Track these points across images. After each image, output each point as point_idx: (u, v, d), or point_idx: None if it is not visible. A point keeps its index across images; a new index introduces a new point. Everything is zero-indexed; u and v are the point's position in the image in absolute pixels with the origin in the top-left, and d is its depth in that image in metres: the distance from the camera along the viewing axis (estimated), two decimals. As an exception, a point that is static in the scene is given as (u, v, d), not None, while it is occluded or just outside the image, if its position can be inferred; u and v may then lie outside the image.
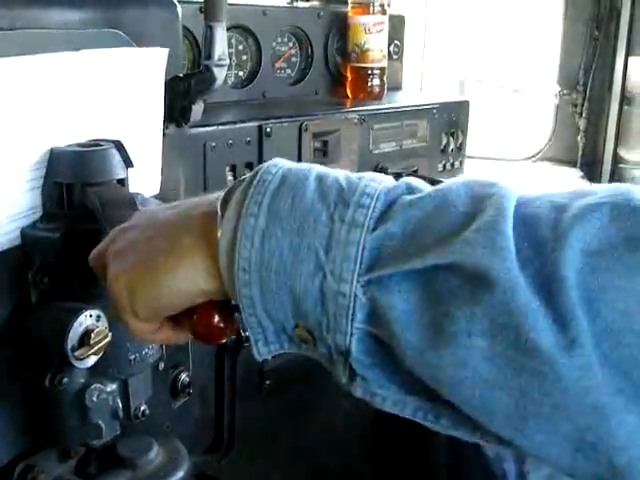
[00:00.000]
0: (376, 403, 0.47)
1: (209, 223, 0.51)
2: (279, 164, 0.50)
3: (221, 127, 1.03)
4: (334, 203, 0.46)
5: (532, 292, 0.40)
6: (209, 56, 0.84)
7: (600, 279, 0.39)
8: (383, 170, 1.24)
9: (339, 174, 0.49)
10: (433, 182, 1.33)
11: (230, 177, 1.03)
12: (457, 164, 1.46)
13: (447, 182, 0.47)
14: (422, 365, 0.43)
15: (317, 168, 0.50)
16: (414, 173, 1.30)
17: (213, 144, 1.01)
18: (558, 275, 0.39)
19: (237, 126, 1.05)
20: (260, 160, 1.06)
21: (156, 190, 0.87)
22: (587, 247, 0.40)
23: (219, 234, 0.49)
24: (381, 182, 0.48)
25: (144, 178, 0.84)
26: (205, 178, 1.01)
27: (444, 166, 1.42)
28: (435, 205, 0.45)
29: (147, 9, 0.89)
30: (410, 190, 0.48)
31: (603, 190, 0.43)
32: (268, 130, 1.08)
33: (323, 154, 1.14)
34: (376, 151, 1.26)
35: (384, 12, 1.38)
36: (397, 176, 1.33)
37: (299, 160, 1.12)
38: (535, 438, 0.41)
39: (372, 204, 0.46)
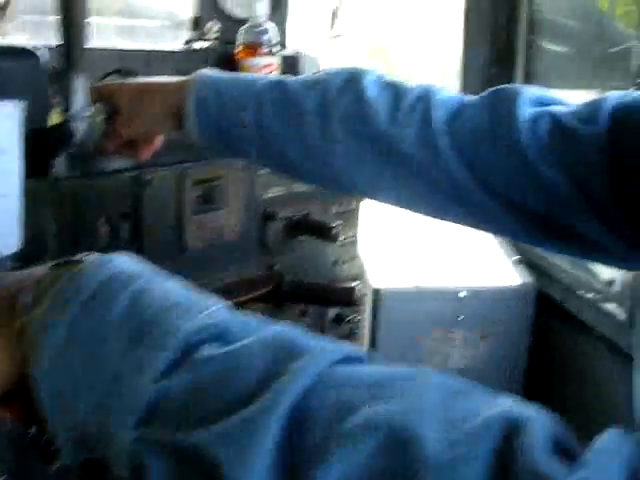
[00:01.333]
0: None
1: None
2: (104, 267, 0.46)
3: (94, 177, 0.99)
4: (131, 336, 0.43)
5: None
6: (67, 109, 0.81)
7: None
8: (272, 215, 1.21)
9: (163, 292, 0.45)
10: (323, 227, 1.31)
11: (105, 229, 0.99)
12: (353, 205, 1.44)
13: (256, 335, 0.43)
14: None
15: (144, 279, 0.46)
16: (305, 217, 1.28)
17: (86, 195, 0.96)
18: None
19: (112, 176, 1.01)
20: (138, 211, 1.02)
21: (15, 248, 0.83)
22: (345, 475, 0.36)
23: (19, 323, 0.46)
24: (198, 314, 0.44)
25: (0, 236, 0.80)
26: (78, 231, 0.96)
27: (339, 208, 1.40)
28: (224, 368, 0.41)
29: (8, 60, 0.86)
30: (219, 336, 0.44)
31: (398, 399, 0.38)
32: (147, 179, 1.04)
33: (206, 202, 1.11)
34: (264, 196, 1.22)
35: (272, 53, 1.37)
36: (289, 221, 1.30)
37: (180, 210, 1.08)
38: None
39: (167, 348, 0.42)
